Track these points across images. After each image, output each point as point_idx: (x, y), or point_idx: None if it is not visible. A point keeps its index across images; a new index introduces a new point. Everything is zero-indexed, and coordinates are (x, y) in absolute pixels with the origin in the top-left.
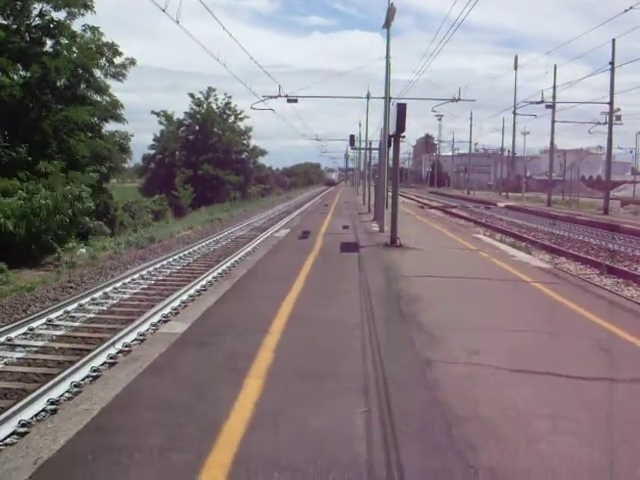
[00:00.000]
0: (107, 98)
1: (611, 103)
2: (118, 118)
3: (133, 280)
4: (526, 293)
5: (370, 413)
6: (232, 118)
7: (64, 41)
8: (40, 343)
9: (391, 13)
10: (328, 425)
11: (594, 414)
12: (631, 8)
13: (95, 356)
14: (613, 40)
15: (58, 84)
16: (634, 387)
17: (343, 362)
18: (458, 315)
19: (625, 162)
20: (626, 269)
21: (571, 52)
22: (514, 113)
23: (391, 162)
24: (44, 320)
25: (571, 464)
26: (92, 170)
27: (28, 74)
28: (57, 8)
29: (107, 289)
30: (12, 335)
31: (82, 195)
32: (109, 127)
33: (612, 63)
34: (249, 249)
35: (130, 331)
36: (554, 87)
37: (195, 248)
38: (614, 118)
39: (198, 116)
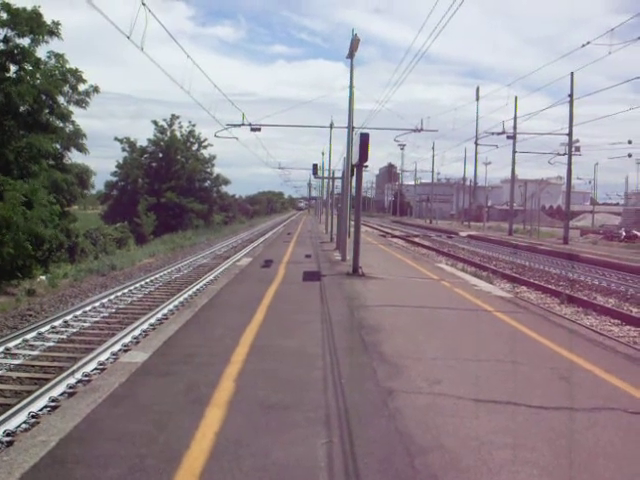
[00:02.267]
0: (70, 126)
1: (570, 134)
2: (80, 148)
3: (94, 308)
4: (488, 322)
5: (332, 444)
6: (196, 146)
7: (28, 67)
8: None
9: (355, 43)
10: (290, 456)
11: (554, 443)
12: (588, 43)
13: (54, 386)
14: (572, 73)
15: (21, 110)
16: (593, 416)
17: (305, 392)
18: (420, 345)
19: (584, 192)
20: (585, 298)
21: (532, 84)
22: (476, 143)
23: (354, 191)
24: (2, 349)
25: None
26: (52, 199)
27: None
28: (21, 35)
29: (67, 317)
30: None
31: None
32: (72, 156)
33: (571, 95)
34: (211, 278)
35: (90, 360)
36: (515, 118)
37: (157, 276)
38: (573, 149)
39: (162, 143)
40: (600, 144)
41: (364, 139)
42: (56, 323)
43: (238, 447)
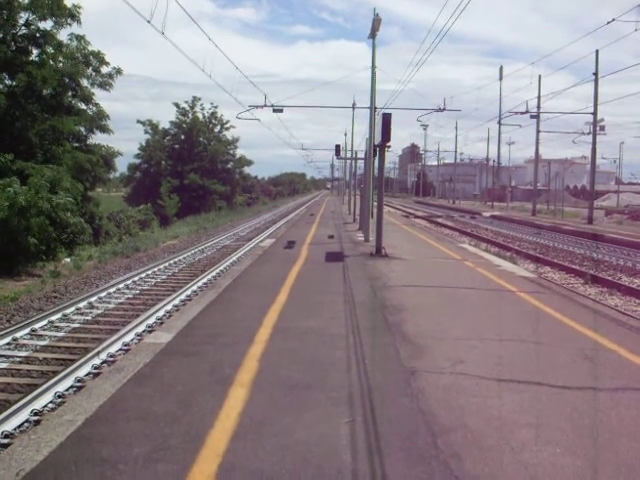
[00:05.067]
0: (93, 108)
1: (595, 113)
2: (104, 129)
3: (118, 290)
4: (511, 302)
5: (355, 423)
6: (218, 127)
7: (50, 50)
8: (24, 353)
9: (377, 23)
10: (313, 435)
11: (577, 423)
12: (613, 20)
13: (79, 366)
14: (596, 51)
15: (44, 93)
16: (617, 396)
17: (328, 372)
18: (443, 325)
19: (609, 172)
20: (610, 278)
21: (556, 63)
22: (499, 123)
23: (376, 172)
24: (28, 330)
25: (554, 473)
26: (76, 180)
27: (14, 83)
28: (43, 18)
29: (92, 299)
30: None
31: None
32: (96, 138)
33: (596, 74)
34: (234, 259)
35: (115, 341)
36: (539, 97)
37: (180, 257)
38: (598, 128)
39: (184, 125)
40: (625, 123)
41: (386, 119)
42: (81, 304)
43: (261, 426)
